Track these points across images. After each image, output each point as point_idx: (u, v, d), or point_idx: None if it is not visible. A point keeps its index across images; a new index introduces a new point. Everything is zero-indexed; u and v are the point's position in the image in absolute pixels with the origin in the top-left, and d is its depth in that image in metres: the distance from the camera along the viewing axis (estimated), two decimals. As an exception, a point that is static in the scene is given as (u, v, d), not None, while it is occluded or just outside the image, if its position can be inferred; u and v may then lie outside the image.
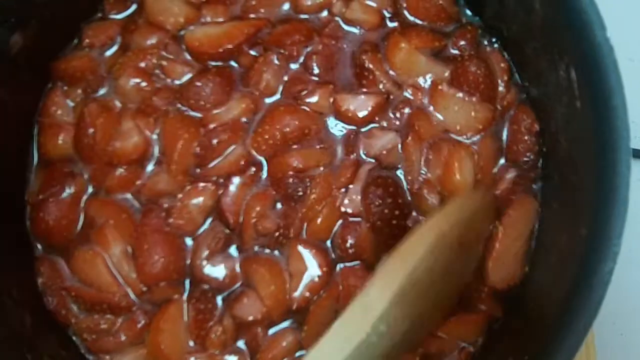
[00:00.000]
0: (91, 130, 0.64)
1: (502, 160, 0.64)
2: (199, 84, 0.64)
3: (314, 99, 0.64)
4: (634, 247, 0.59)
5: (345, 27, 0.67)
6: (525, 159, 0.63)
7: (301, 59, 0.66)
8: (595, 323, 0.45)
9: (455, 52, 0.66)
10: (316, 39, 0.66)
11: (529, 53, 0.61)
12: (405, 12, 0.67)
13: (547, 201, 0.62)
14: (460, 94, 0.64)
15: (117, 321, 0.62)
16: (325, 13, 0.68)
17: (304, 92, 0.64)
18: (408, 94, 0.65)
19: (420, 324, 0.52)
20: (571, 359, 0.46)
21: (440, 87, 0.64)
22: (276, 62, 0.65)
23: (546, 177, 0.62)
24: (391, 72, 0.65)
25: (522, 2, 0.57)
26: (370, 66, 0.65)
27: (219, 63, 0.66)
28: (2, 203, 0.63)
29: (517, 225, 0.62)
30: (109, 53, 0.67)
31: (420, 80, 0.65)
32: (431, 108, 0.64)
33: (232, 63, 0.66)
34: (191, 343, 0.61)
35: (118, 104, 0.65)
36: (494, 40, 0.67)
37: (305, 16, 0.68)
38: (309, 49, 0.66)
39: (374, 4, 0.67)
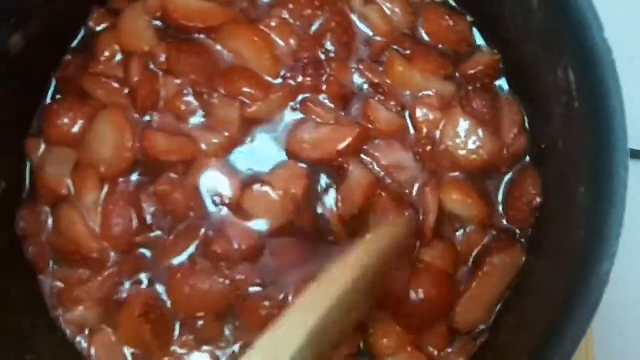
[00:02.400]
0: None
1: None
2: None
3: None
4: (633, 247, 0.58)
5: (358, 23, 0.66)
6: (516, 229, 0.61)
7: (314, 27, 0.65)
8: (594, 323, 0.45)
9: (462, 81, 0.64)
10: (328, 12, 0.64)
11: (527, 54, 0.60)
12: (423, 32, 0.66)
13: (545, 201, 0.61)
14: (470, 119, 0.61)
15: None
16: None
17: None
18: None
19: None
20: (570, 358, 0.46)
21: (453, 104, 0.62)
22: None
23: (545, 176, 0.62)
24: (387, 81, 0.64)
25: (521, 3, 0.57)
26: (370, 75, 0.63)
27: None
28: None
29: (497, 274, 0.60)
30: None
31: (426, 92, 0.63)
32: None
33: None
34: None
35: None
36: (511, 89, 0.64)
37: None
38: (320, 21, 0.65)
39: (391, 16, 0.66)
